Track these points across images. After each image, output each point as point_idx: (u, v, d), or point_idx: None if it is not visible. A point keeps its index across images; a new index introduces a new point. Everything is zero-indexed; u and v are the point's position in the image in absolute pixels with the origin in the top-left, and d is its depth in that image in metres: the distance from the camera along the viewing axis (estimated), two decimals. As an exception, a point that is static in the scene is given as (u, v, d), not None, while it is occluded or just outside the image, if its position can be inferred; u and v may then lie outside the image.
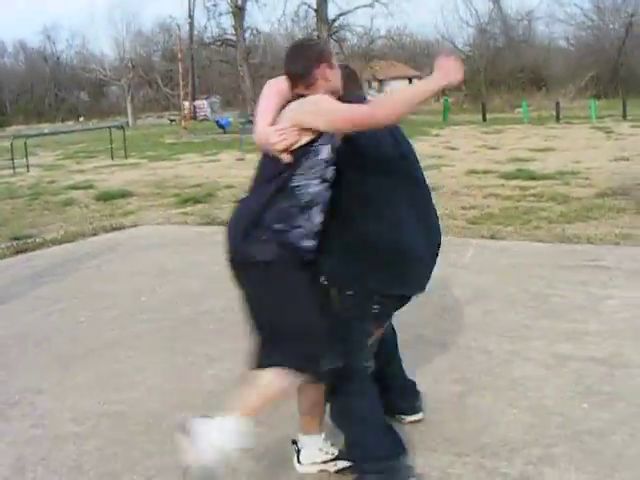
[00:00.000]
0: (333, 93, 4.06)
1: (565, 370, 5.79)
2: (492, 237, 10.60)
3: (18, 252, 11.58)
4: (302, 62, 4.18)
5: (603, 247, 9.69)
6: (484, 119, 42.62)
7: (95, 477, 4.57)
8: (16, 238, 12.60)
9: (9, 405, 5.73)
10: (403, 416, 5.01)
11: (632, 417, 4.97)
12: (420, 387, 5.40)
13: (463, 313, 7.30)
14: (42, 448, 4.99)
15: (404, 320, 7.04)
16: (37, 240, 12.40)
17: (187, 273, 9.36)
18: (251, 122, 35.58)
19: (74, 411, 5.54)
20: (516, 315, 7.13)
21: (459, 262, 9.18)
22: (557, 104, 41.20)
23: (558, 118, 39.26)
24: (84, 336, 7.25)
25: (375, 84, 75.24)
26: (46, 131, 51.75)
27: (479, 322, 7.00)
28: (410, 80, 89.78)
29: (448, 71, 3.88)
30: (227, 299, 7.87)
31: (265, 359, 3.99)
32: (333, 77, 4.12)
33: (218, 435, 3.89)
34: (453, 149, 24.98)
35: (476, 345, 6.39)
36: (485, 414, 5.11)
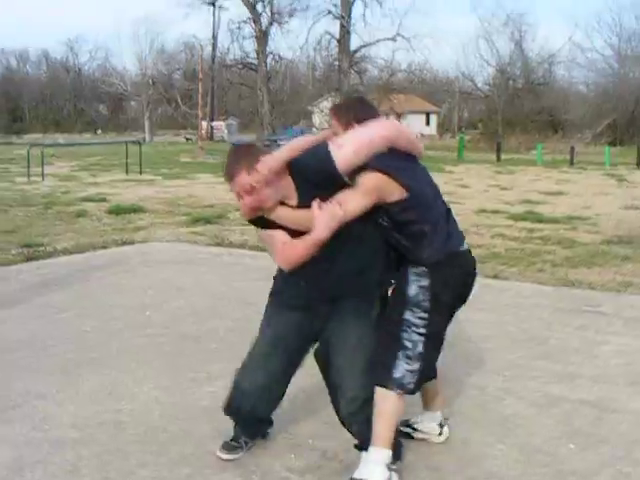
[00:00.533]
0: None
1: (555, 411, 5.90)
2: (495, 277, 10.69)
3: (28, 259, 11.72)
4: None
5: (604, 294, 9.79)
6: (498, 159, 42.76)
7: (90, 482, 4.69)
8: (27, 245, 12.75)
9: (11, 407, 5.85)
10: None
11: (616, 460, 5.07)
12: (410, 417, 5.55)
13: (460, 348, 7.39)
14: (41, 451, 5.10)
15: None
16: (48, 249, 12.54)
17: (194, 291, 9.49)
18: (267, 146, 35.86)
19: (74, 417, 5.65)
20: (512, 354, 7.25)
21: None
22: (572, 148, 41.40)
23: (572, 162, 39.42)
24: (89, 345, 7.38)
25: (393, 117, 75.43)
26: (61, 141, 52.12)
27: (475, 358, 7.12)
28: (427, 115, 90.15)
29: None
30: (231, 320, 8.04)
31: None
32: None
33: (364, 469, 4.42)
34: (465, 187, 25.12)
35: (470, 380, 6.50)
36: (473, 447, 5.22)
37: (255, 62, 58.86)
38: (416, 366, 4.43)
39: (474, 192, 23.43)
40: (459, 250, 4.68)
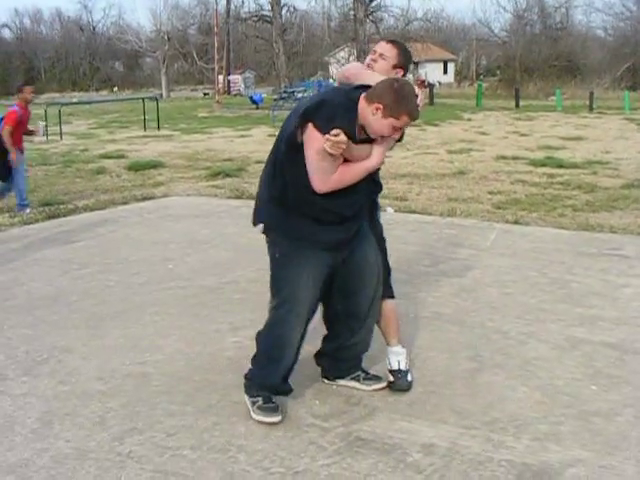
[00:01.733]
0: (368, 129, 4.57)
1: (577, 353, 5.93)
2: (516, 222, 10.71)
3: (50, 217, 11.79)
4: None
5: (625, 237, 9.80)
6: (517, 105, 42.46)
7: (118, 433, 4.74)
8: (48, 204, 12.82)
9: (38, 362, 5.93)
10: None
11: (638, 400, 5.11)
12: (436, 362, 5.62)
13: (482, 294, 7.44)
14: (69, 404, 5.18)
15: (423, 298, 7.25)
16: (69, 206, 12.62)
17: (215, 244, 9.53)
18: (284, 98, 35.74)
19: (100, 370, 5.72)
20: (533, 298, 7.27)
21: (482, 245, 9.32)
22: (591, 94, 41.04)
23: (591, 108, 39.11)
24: (113, 299, 7.45)
25: (410, 66, 74.93)
26: (75, 100, 51.95)
27: (497, 303, 7.14)
28: (445, 63, 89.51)
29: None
30: (253, 270, 8.08)
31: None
32: (376, 121, 4.52)
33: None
34: (484, 134, 25.02)
35: (492, 325, 6.54)
36: (496, 391, 5.27)
37: (270, 14, 58.47)
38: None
39: (493, 139, 23.35)
40: None
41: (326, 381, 5.41)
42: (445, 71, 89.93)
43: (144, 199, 13.32)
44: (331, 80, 58.20)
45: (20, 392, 5.37)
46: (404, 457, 4.37)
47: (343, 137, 4.35)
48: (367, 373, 5.37)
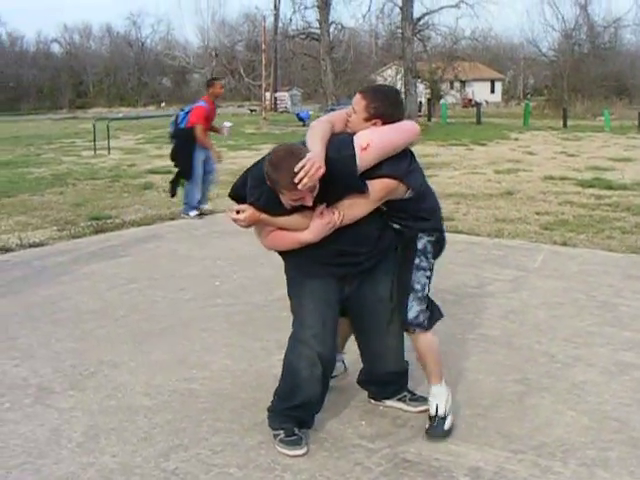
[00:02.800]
0: None
1: (626, 378, 5.86)
2: (564, 244, 10.63)
3: (97, 232, 11.88)
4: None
5: (675, 260, 9.69)
6: (565, 125, 42.22)
7: (164, 449, 4.75)
8: (96, 218, 12.92)
9: (85, 376, 5.96)
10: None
11: (689, 427, 5.05)
12: (483, 385, 5.59)
13: (529, 316, 7.38)
14: (115, 418, 5.20)
15: (470, 320, 7.21)
16: (116, 221, 12.71)
17: (261, 261, 9.51)
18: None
19: (147, 386, 5.75)
20: (582, 321, 7.20)
21: (530, 266, 9.26)
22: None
23: (640, 128, 38.83)
24: (159, 315, 7.48)
25: (457, 85, 74.87)
26: (120, 115, 52.23)
27: (545, 326, 7.08)
28: (492, 82, 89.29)
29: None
30: (299, 288, 8.05)
31: None
32: None
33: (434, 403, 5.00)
34: (532, 154, 24.89)
35: (540, 348, 6.48)
36: (543, 414, 5.21)
37: (317, 32, 58.48)
38: (425, 306, 4.90)
39: (541, 159, 23.21)
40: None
41: (373, 402, 5.41)
42: (492, 90, 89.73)
43: (191, 215, 13.36)
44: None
45: (67, 406, 5.41)
46: (451, 480, 4.35)
47: (241, 215, 4.60)
48: (413, 394, 5.36)
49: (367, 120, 4.64)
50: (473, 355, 6.33)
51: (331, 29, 59.10)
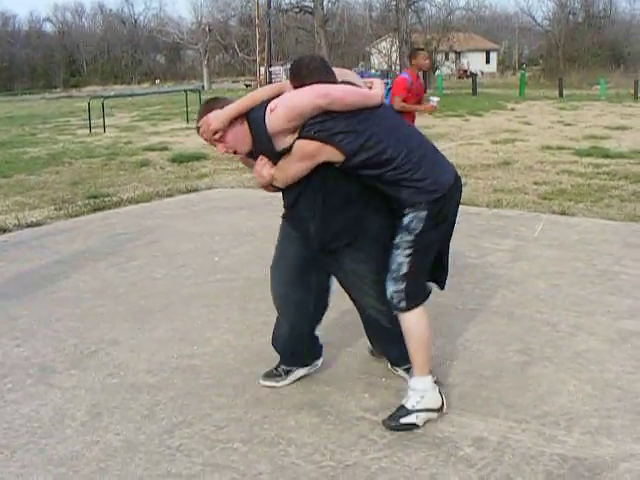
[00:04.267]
0: None
1: (628, 346, 5.86)
2: (563, 213, 10.62)
3: (95, 210, 11.85)
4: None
5: (674, 227, 9.69)
6: (561, 95, 42.12)
7: (168, 426, 4.76)
8: (93, 196, 12.88)
9: (86, 355, 5.96)
10: None
11: (692, 393, 5.05)
12: (485, 355, 5.58)
13: (530, 286, 7.38)
14: (118, 397, 5.20)
15: (471, 291, 7.20)
16: (114, 199, 12.68)
17: (260, 236, 9.51)
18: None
19: (149, 363, 5.75)
20: (582, 290, 7.20)
21: (529, 236, 9.25)
22: (636, 82, 40.64)
23: (636, 96, 38.77)
24: (159, 292, 7.47)
25: (452, 56, 74.69)
26: (112, 93, 52.04)
27: (545, 295, 7.08)
28: (487, 53, 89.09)
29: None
30: (298, 263, 8.05)
31: None
32: None
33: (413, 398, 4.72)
34: (528, 124, 24.84)
35: (541, 317, 6.48)
36: (546, 384, 5.22)
37: (311, 5, 58.32)
38: (402, 286, 4.61)
39: (537, 129, 23.17)
40: (451, 184, 4.81)
41: (390, 368, 5.42)
42: (488, 61, 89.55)
43: (188, 191, 13.35)
44: (373, 70, 58.13)
45: (69, 385, 5.41)
46: (455, 451, 4.35)
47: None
48: None
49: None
50: (474, 326, 6.32)
51: (325, 2, 58.92)
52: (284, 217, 5.26)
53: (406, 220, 4.57)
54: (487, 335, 6.11)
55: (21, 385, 5.43)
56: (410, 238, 4.58)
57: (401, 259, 4.60)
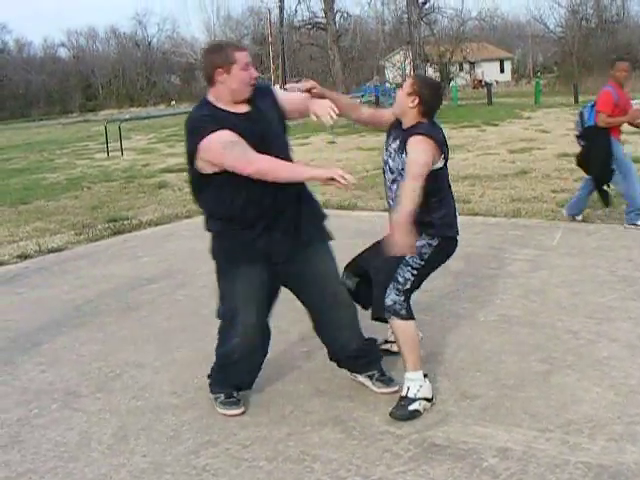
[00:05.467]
0: (234, 95, 4.91)
1: (651, 351, 5.87)
2: (582, 220, 10.60)
3: (115, 233, 11.93)
4: (204, 67, 5.06)
5: (695, 232, 9.66)
6: (576, 101, 42.00)
7: (193, 446, 4.79)
8: (113, 220, 12.97)
9: (111, 378, 6.00)
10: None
11: None
12: (507, 365, 5.59)
13: (550, 294, 7.38)
14: (143, 418, 5.24)
15: (491, 301, 7.21)
16: (133, 222, 12.75)
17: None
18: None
19: (173, 384, 5.78)
20: (603, 297, 7.19)
21: (548, 245, 9.25)
22: (653, 87, 40.49)
23: (652, 99, 38.60)
24: (181, 313, 7.51)
25: (467, 66, 74.69)
26: (127, 116, 52.20)
27: (566, 303, 7.07)
28: (501, 62, 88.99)
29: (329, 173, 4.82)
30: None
31: None
32: (230, 81, 4.86)
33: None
34: (545, 132, 24.80)
35: (562, 326, 6.48)
36: (569, 392, 5.22)
37: (323, 21, 58.42)
38: (403, 298, 5.09)
39: (554, 137, 23.12)
40: (456, 236, 5.33)
41: (349, 374, 5.58)
42: (502, 70, 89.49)
43: (207, 212, 13.36)
44: (387, 84, 58.18)
45: (95, 409, 5.45)
46: (479, 462, 4.36)
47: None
48: (383, 374, 5.47)
49: (409, 95, 5.07)
50: (496, 336, 6.33)
51: (337, 18, 58.97)
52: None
53: (419, 243, 5.02)
54: (509, 345, 6.12)
55: (47, 410, 5.47)
56: (422, 263, 5.12)
57: (409, 276, 5.11)
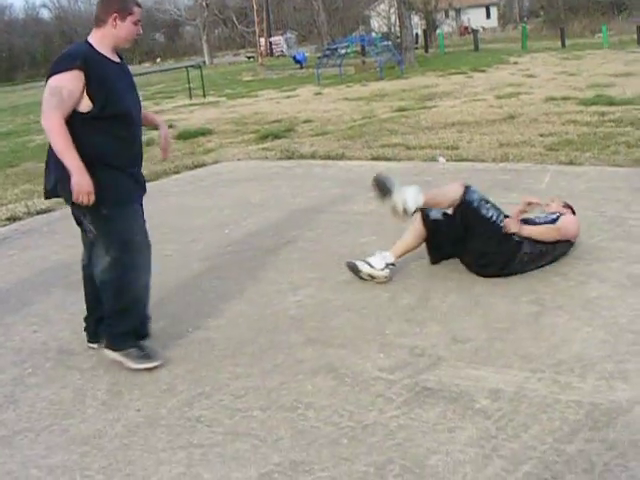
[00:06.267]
0: (118, 43, 5.30)
1: (639, 290, 5.89)
2: (570, 163, 10.59)
3: (104, 191, 11.85)
4: (102, 7, 5.27)
5: (682, 170, 9.66)
6: (563, 45, 41.90)
7: (187, 398, 4.80)
8: (102, 178, 12.88)
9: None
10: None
11: None
12: (498, 308, 5.61)
13: (539, 237, 7.39)
14: (136, 374, 5.24)
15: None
16: (122, 179, 12.67)
17: (269, 206, 9.54)
18: (327, 56, 35.57)
19: (165, 338, 5.77)
20: (592, 238, 7.19)
21: (537, 188, 9.24)
22: (638, 28, 40.34)
23: (639, 42, 38.48)
24: (172, 268, 7.48)
25: (452, 13, 74.29)
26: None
27: (555, 245, 7.08)
28: (487, 8, 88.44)
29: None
30: (309, 229, 8.12)
31: None
32: (120, 29, 5.24)
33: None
34: (532, 76, 24.73)
35: (552, 267, 6.48)
36: (559, 332, 5.24)
37: (308, -28, 58.08)
38: None
39: (542, 81, 23.06)
40: None
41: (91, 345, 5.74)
42: (488, 16, 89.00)
43: (195, 167, 13.37)
44: (373, 34, 57.80)
45: (88, 366, 5.45)
46: (472, 404, 4.38)
47: None
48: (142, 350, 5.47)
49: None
50: (486, 280, 6.34)
51: (321, -33, 58.37)
52: None
53: None
54: (499, 288, 6.13)
55: (41, 369, 5.48)
56: None
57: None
